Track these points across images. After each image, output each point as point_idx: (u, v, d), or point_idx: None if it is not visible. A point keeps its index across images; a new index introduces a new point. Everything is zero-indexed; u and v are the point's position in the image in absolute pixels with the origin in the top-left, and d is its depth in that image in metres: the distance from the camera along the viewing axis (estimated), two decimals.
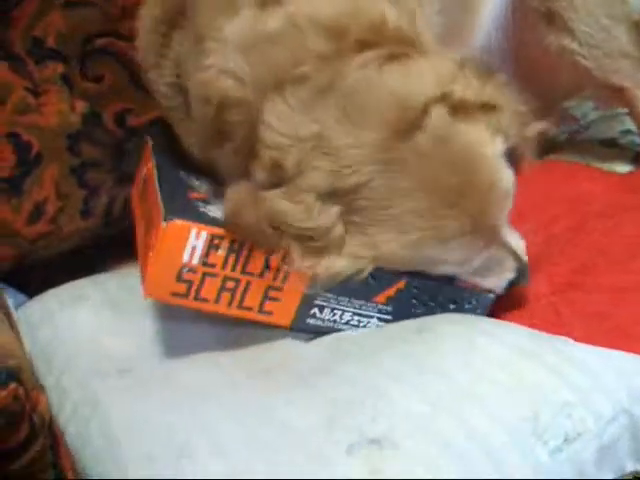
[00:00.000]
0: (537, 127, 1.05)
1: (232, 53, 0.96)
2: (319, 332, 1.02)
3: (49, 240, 1.28)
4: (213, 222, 0.95)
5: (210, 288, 0.95)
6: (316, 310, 1.00)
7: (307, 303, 1.00)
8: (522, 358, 0.91)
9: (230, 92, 0.95)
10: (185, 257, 0.93)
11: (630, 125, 1.49)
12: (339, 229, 0.92)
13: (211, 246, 0.94)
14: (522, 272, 1.04)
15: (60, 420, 0.98)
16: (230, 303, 0.96)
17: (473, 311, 1.03)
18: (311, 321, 1.01)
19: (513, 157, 1.00)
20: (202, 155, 1.08)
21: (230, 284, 0.95)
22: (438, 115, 0.91)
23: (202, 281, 0.95)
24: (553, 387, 0.87)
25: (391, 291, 1.01)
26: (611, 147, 1.53)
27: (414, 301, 1.02)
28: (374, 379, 0.89)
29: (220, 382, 0.95)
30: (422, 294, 1.02)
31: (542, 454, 0.82)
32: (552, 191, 1.31)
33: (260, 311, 0.98)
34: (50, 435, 0.84)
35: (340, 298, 1.00)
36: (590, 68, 1.34)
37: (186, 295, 0.95)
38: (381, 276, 0.99)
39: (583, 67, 1.34)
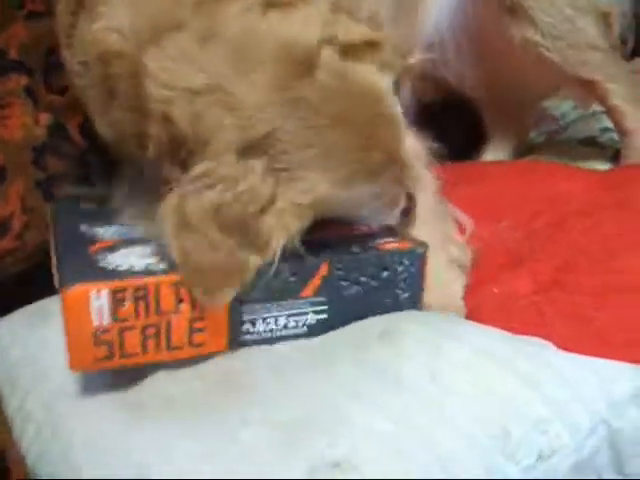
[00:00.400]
0: (416, 56, 1.07)
1: (117, 10, 0.95)
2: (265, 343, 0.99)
3: (16, 256, 1.25)
4: (114, 275, 0.92)
5: (133, 341, 0.91)
6: (248, 326, 0.97)
7: (236, 322, 0.96)
8: (493, 366, 0.87)
9: (112, 46, 0.94)
10: (94, 320, 0.89)
11: (609, 123, 1.47)
12: (270, 183, 0.90)
13: (116, 301, 0.90)
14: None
15: (22, 443, 0.95)
16: (158, 349, 0.93)
17: (408, 272, 1.01)
18: (247, 337, 0.98)
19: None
20: (109, 132, 1.04)
21: (151, 330, 0.92)
22: (328, 56, 0.92)
23: (121, 338, 0.91)
24: (526, 400, 0.84)
25: (316, 281, 0.97)
26: (590, 146, 1.53)
27: (343, 283, 0.99)
28: (333, 395, 0.86)
29: (180, 397, 0.92)
30: (349, 272, 0.98)
31: (513, 473, 0.79)
32: (531, 190, 1.29)
33: (191, 345, 0.94)
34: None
35: (267, 305, 0.96)
36: (556, 61, 1.32)
37: (110, 357, 0.91)
38: (300, 268, 0.96)
39: (549, 60, 1.32)
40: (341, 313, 0.99)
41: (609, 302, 1.03)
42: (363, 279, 0.99)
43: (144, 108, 0.92)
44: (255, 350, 0.97)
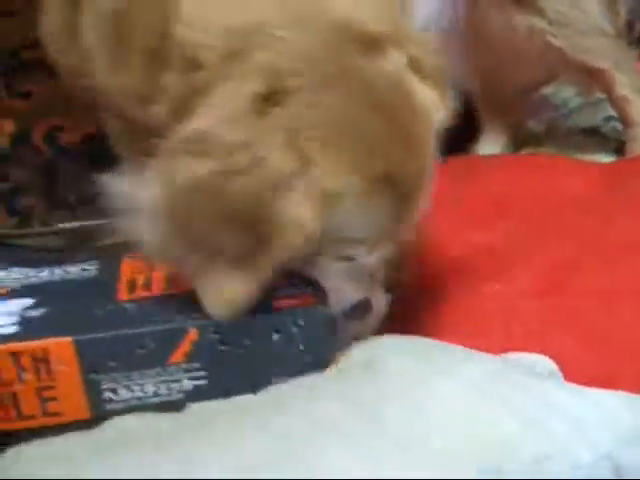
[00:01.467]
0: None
1: None
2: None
3: None
4: None
5: None
6: (109, 394, 0.87)
7: (94, 391, 0.87)
8: (485, 402, 0.79)
9: None
10: None
11: (612, 111, 1.44)
12: (290, 157, 0.79)
13: None
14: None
15: None
16: (9, 418, 0.85)
17: (307, 334, 0.87)
18: (111, 406, 0.88)
19: None
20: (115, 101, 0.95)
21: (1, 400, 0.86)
22: (394, 50, 0.86)
23: None
24: (521, 436, 0.76)
25: (184, 346, 0.86)
26: (593, 136, 1.50)
27: (223, 347, 0.86)
28: (309, 433, 0.77)
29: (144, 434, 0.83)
30: (228, 336, 0.86)
31: None
32: (532, 186, 1.25)
33: (47, 415, 0.86)
34: None
35: (128, 374, 0.86)
36: (562, 48, 1.30)
37: None
38: (160, 336, 0.85)
39: (555, 48, 1.30)
40: (226, 377, 0.87)
41: (618, 308, 0.99)
42: (248, 342, 0.86)
43: (165, 55, 0.84)
44: None
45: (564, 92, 1.62)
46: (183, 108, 0.83)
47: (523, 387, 0.81)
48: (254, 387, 0.86)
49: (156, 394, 0.87)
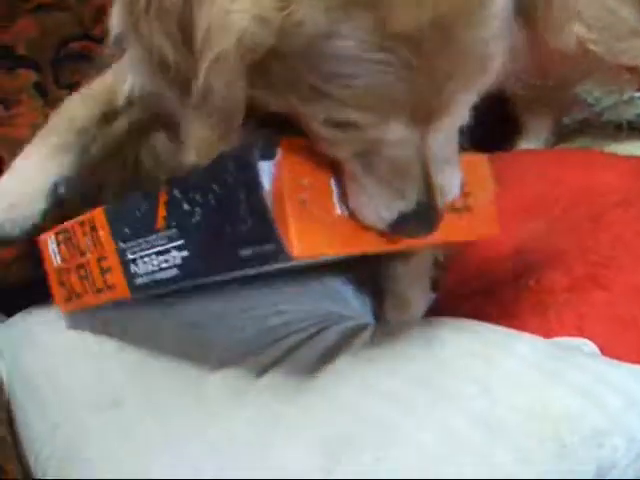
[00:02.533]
0: None
1: None
2: (159, 295, 0.92)
3: (23, 264, 1.20)
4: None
5: (74, 281, 0.98)
6: (134, 267, 0.89)
7: (124, 260, 0.90)
8: (544, 378, 0.81)
9: None
10: (53, 262, 1.01)
11: None
12: None
13: (58, 243, 0.99)
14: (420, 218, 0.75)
15: (42, 455, 0.91)
16: (90, 290, 0.96)
17: (242, 185, 0.75)
18: (140, 281, 0.89)
19: None
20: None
21: (81, 271, 0.96)
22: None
23: (69, 279, 0.99)
24: (580, 412, 0.77)
25: (161, 209, 0.83)
26: (627, 131, 1.48)
27: (186, 207, 0.80)
28: (377, 408, 0.80)
29: (205, 415, 0.86)
30: (186, 193, 0.80)
31: None
32: (566, 180, 1.23)
33: (108, 288, 0.94)
34: None
35: (139, 242, 0.87)
36: (600, 52, 1.28)
37: (70, 298, 0.99)
38: (145, 198, 0.85)
39: (593, 52, 1.28)
40: (200, 247, 0.81)
41: None
42: (199, 199, 0.79)
43: None
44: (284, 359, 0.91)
45: (597, 91, 1.61)
46: None
47: (578, 364, 0.83)
48: (230, 258, 0.77)
49: (160, 268, 0.86)
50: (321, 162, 0.75)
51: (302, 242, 0.72)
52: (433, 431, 0.76)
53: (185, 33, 0.68)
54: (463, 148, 1.00)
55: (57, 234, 0.99)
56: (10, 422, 1.00)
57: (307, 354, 0.92)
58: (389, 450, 0.74)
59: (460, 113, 0.73)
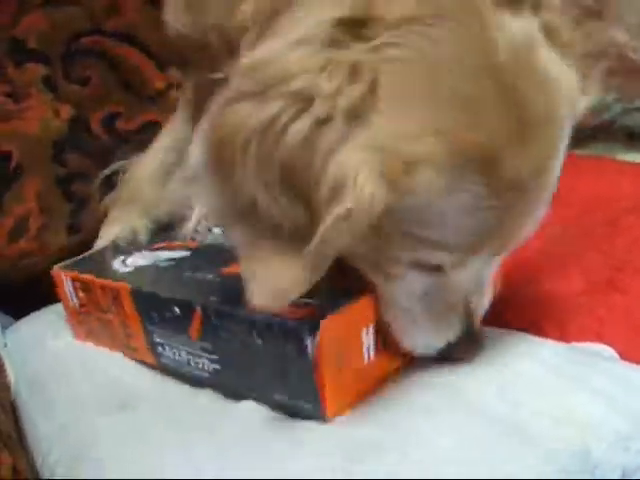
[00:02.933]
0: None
1: None
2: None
3: (33, 258, 1.18)
4: (96, 270, 0.98)
5: (98, 329, 0.98)
6: (160, 348, 0.90)
7: (151, 339, 0.91)
8: (566, 383, 0.80)
9: None
10: (69, 300, 1.00)
11: None
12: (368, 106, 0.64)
13: (75, 288, 0.99)
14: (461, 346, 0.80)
15: (49, 463, 0.88)
16: (120, 343, 0.97)
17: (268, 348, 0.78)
18: (164, 361, 0.91)
19: None
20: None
21: (105, 324, 0.96)
22: None
23: (89, 322, 1.00)
24: (603, 416, 0.76)
25: (196, 323, 0.84)
26: (638, 139, 1.47)
27: (223, 334, 0.82)
28: (395, 413, 0.78)
29: (219, 417, 0.84)
30: (224, 323, 0.81)
31: None
32: (580, 186, 1.22)
33: (129, 349, 0.96)
34: None
35: (166, 333, 0.88)
36: (635, 60, 1.28)
37: (90, 335, 1.00)
38: (179, 306, 0.85)
39: (630, 60, 1.28)
40: (233, 371, 0.84)
41: None
42: (242, 335, 0.80)
43: None
44: None
45: (606, 98, 1.60)
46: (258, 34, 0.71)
47: (599, 369, 0.82)
48: (261, 392, 0.82)
49: (189, 364, 0.87)
50: (357, 319, 0.78)
51: (335, 405, 0.78)
52: (453, 436, 0.74)
53: (292, 180, 0.65)
54: None
55: (74, 281, 0.99)
56: (16, 423, 0.98)
57: None
58: (408, 455, 0.73)
59: None
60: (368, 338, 0.79)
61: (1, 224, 1.16)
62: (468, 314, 0.78)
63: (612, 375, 0.81)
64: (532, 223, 0.74)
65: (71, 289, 0.98)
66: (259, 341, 0.78)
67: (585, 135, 1.54)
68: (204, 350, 0.84)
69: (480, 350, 0.81)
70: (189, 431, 0.83)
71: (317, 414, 0.77)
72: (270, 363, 0.79)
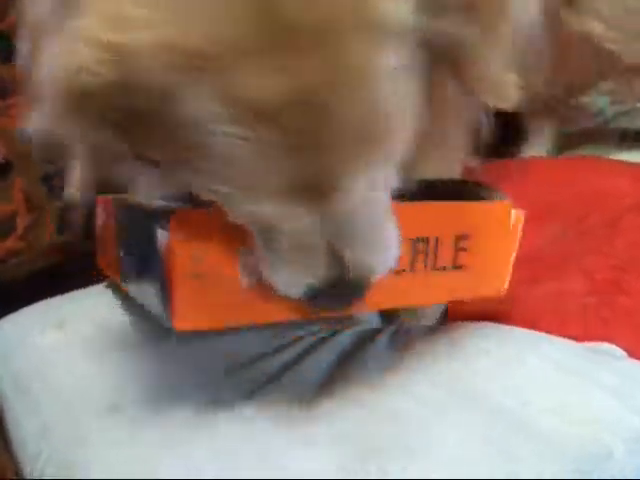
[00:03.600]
0: None
1: None
2: None
3: (21, 258, 1.15)
4: None
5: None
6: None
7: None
8: (576, 380, 0.79)
9: None
10: None
11: None
12: None
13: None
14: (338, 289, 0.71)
15: (38, 464, 0.85)
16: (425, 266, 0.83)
17: None
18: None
19: None
20: None
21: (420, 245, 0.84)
22: None
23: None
24: (617, 414, 0.75)
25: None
26: (633, 140, 1.47)
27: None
28: (406, 410, 0.76)
29: (215, 418, 0.81)
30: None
31: None
32: (578, 187, 1.22)
33: None
34: None
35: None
36: (617, 52, 1.27)
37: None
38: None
39: (608, 52, 1.27)
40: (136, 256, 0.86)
41: None
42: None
43: None
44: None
45: (600, 101, 1.60)
46: None
47: (608, 366, 0.81)
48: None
49: None
50: (226, 232, 0.71)
51: (185, 316, 0.72)
52: (464, 433, 0.73)
53: None
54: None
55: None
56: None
57: (323, 357, 0.89)
58: (416, 453, 0.71)
59: (364, 185, 0.65)
60: (246, 261, 0.73)
61: None
62: (336, 264, 0.69)
63: (623, 373, 0.80)
64: (344, 161, 0.62)
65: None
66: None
67: (578, 137, 1.54)
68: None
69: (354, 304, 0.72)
70: (182, 432, 0.80)
71: (168, 321, 0.73)
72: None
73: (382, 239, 0.70)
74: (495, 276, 0.86)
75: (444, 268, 0.82)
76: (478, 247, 0.84)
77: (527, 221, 1.12)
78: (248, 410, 0.81)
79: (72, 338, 0.99)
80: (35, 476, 0.84)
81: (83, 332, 0.99)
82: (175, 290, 0.71)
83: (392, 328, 0.96)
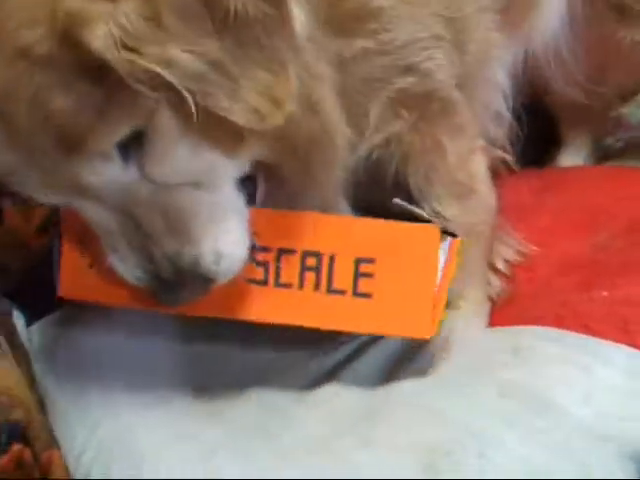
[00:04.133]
0: None
1: None
2: None
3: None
4: None
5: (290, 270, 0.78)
6: None
7: None
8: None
9: None
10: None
11: None
12: None
13: None
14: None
15: (84, 458, 0.84)
16: (317, 286, 0.76)
17: None
18: None
19: None
20: None
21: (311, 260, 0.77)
22: None
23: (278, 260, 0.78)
24: None
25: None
26: None
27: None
28: (474, 418, 0.75)
29: (274, 418, 0.81)
30: None
31: None
32: (622, 197, 1.20)
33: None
34: None
35: None
36: None
37: (265, 282, 0.78)
38: None
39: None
40: None
41: None
42: None
43: None
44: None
45: (638, 113, 1.59)
46: None
47: None
48: None
49: None
50: None
51: (68, 284, 0.85)
52: (538, 443, 0.71)
53: None
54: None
55: None
56: None
57: (371, 361, 0.88)
58: (491, 463, 0.70)
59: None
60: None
61: (32, 217, 1.09)
62: (150, 259, 0.74)
63: None
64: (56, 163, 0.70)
65: None
66: None
67: (616, 148, 1.53)
68: None
69: (190, 299, 0.75)
70: (238, 430, 0.80)
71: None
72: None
73: (202, 237, 0.73)
74: (413, 313, 0.76)
75: (342, 292, 0.76)
76: (387, 274, 0.75)
77: (578, 227, 1.12)
78: (300, 410, 0.81)
79: (115, 334, 0.99)
80: (81, 474, 0.83)
81: (128, 328, 0.98)
82: (62, 263, 0.83)
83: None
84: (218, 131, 0.71)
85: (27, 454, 0.61)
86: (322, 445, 0.75)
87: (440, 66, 0.91)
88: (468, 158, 0.99)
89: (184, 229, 0.73)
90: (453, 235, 0.74)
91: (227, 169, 0.75)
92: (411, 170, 0.95)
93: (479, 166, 1.01)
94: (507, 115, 1.12)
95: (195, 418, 0.84)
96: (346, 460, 0.72)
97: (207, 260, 0.73)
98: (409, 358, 0.86)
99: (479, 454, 0.69)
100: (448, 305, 0.95)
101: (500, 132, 1.09)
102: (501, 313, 1.00)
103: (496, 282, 1.03)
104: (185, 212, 0.73)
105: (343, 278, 0.75)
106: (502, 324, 0.97)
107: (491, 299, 1.02)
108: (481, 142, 1.02)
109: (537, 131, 1.43)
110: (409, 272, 0.74)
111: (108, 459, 0.82)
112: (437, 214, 0.96)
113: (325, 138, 0.80)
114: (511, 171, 1.08)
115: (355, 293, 0.75)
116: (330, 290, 0.76)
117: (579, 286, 1.01)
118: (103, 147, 0.68)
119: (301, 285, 0.76)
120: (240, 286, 0.77)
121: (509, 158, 1.08)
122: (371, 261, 0.74)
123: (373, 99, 0.88)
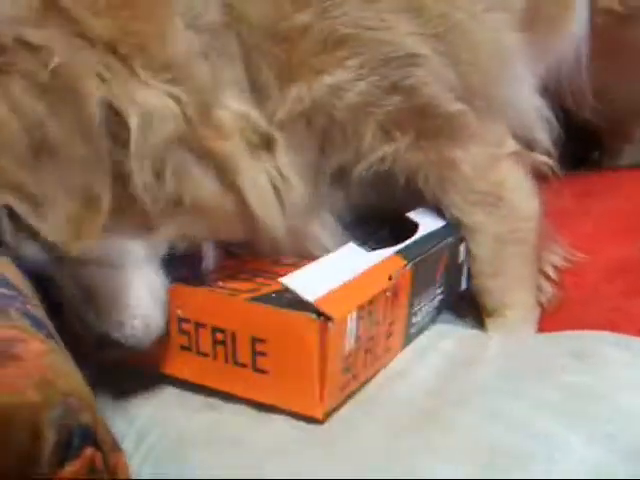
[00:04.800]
0: None
1: None
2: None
3: None
4: None
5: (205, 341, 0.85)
6: (414, 317, 0.92)
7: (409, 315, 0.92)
8: None
9: None
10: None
11: None
12: None
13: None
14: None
15: (135, 459, 0.83)
16: (226, 358, 0.83)
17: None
18: (413, 330, 0.93)
19: None
20: None
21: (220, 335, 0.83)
22: None
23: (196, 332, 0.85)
24: None
25: (441, 267, 0.96)
26: None
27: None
28: (539, 420, 0.73)
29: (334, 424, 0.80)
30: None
31: None
32: None
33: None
34: None
35: (428, 290, 0.95)
36: None
37: (189, 348, 0.86)
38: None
39: None
40: (448, 286, 0.99)
41: None
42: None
43: None
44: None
45: None
46: None
47: None
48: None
49: (423, 317, 0.95)
50: None
51: None
52: (605, 447, 0.70)
53: None
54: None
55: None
56: None
57: (432, 361, 0.89)
58: (558, 465, 0.69)
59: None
60: None
61: None
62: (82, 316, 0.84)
63: None
64: None
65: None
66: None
67: None
68: (439, 286, 0.97)
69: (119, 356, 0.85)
70: (286, 437, 0.79)
71: None
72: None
73: (111, 303, 0.83)
74: (302, 392, 0.78)
75: (245, 366, 0.81)
76: (277, 354, 0.79)
77: (620, 233, 1.14)
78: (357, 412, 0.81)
79: None
80: (132, 476, 0.84)
81: None
82: None
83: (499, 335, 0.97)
84: (123, 216, 0.80)
85: (98, 458, 0.60)
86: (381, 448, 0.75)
87: (425, 83, 0.91)
88: (489, 166, 0.98)
89: (95, 303, 0.83)
90: (328, 319, 0.76)
91: (136, 250, 0.84)
92: (422, 180, 0.96)
93: (507, 173, 0.99)
94: (550, 117, 1.11)
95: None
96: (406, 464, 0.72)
97: (116, 331, 0.82)
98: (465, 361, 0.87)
99: (547, 457, 0.69)
100: (492, 314, 1.00)
101: (543, 136, 1.09)
102: (551, 319, 1.01)
103: (547, 288, 1.03)
104: (94, 288, 0.83)
105: (244, 353, 0.81)
106: (553, 330, 0.97)
107: (541, 305, 1.02)
108: (511, 148, 1.00)
109: (578, 134, 1.44)
110: (293, 355, 0.78)
111: (159, 464, 0.82)
112: (457, 220, 0.98)
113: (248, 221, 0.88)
114: (556, 176, 1.07)
115: (255, 369, 0.80)
116: (236, 363, 0.82)
117: (628, 291, 1.01)
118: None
119: (215, 356, 0.83)
120: (174, 349, 0.86)
121: (552, 163, 1.07)
122: (264, 341, 0.79)
123: (364, 125, 0.90)
